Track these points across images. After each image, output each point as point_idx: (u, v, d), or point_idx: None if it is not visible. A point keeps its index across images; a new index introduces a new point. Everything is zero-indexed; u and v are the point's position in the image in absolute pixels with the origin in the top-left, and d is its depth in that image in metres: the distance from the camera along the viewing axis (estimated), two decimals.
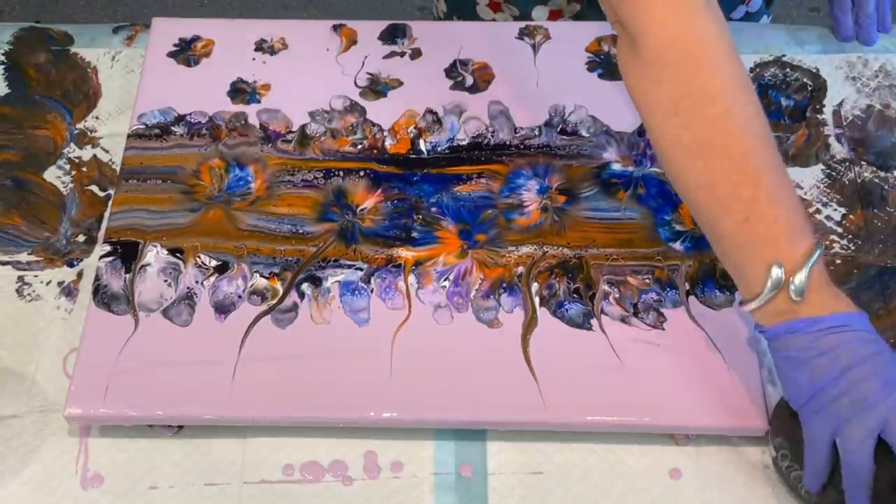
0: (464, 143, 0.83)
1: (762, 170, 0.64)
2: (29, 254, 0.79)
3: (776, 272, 0.63)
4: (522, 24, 0.89)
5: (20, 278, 0.78)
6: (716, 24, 0.65)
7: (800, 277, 0.63)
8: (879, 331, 0.75)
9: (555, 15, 0.98)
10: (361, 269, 0.76)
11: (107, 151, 0.85)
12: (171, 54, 0.88)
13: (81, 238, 0.80)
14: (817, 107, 0.87)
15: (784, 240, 0.64)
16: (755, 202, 0.64)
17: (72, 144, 0.85)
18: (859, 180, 0.83)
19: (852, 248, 0.79)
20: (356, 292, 0.75)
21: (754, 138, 0.65)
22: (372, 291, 0.75)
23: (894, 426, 0.60)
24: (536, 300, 0.74)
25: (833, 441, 0.62)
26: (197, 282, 0.75)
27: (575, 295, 0.74)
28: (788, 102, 0.87)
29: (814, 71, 0.89)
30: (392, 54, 0.88)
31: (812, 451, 0.63)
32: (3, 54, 0.91)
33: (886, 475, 0.61)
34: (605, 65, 0.87)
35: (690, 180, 0.66)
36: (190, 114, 0.84)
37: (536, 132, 0.83)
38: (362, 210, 0.79)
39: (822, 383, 0.62)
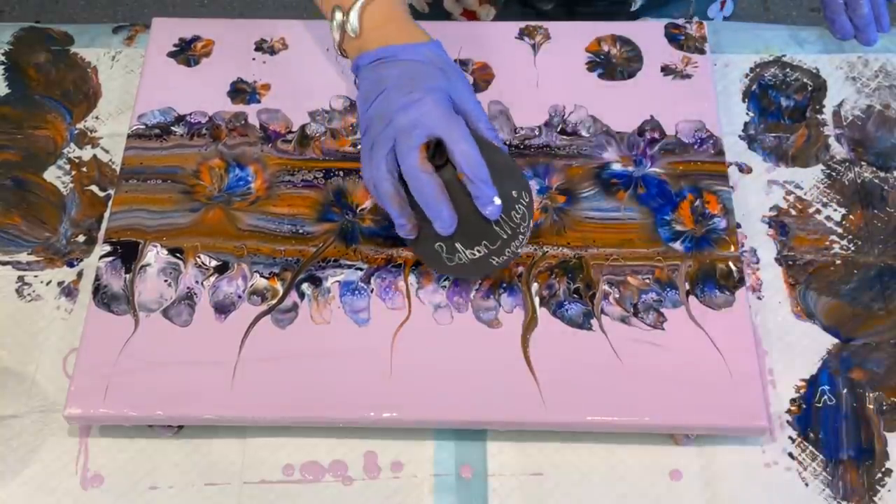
0: None
1: None
2: (29, 254, 0.79)
3: (337, 14, 0.74)
4: (522, 23, 0.89)
5: (20, 278, 0.78)
6: None
7: (352, 16, 0.73)
8: (879, 331, 0.75)
9: (469, 15, 0.98)
10: (361, 269, 0.76)
11: (107, 151, 0.85)
12: (171, 54, 0.88)
13: (81, 238, 0.80)
14: (817, 107, 0.87)
15: None
16: None
17: (72, 144, 0.85)
18: (859, 180, 0.83)
19: (852, 248, 0.79)
20: (356, 292, 0.75)
21: None
22: (372, 291, 0.75)
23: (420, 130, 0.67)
24: (536, 300, 0.74)
25: (395, 172, 0.68)
26: (197, 282, 0.75)
27: (575, 295, 0.74)
28: (788, 102, 0.87)
29: (814, 71, 0.89)
30: None
31: (380, 186, 0.69)
32: (3, 54, 0.91)
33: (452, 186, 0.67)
34: (605, 65, 0.87)
35: None
36: (190, 114, 0.84)
37: (536, 132, 0.83)
38: (362, 210, 0.79)
39: (367, 111, 0.71)
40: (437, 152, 0.68)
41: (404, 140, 0.67)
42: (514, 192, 0.69)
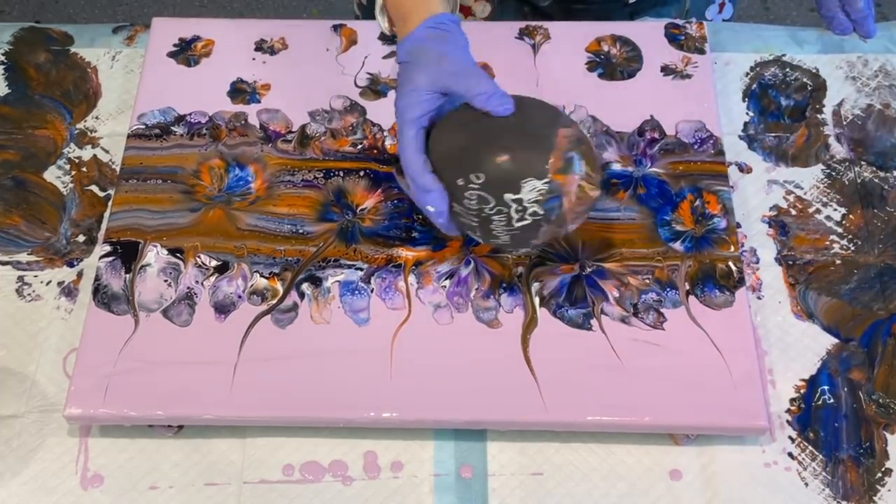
0: None
1: None
2: (29, 254, 0.79)
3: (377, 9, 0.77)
4: (522, 24, 0.89)
5: (20, 278, 0.78)
6: None
7: (377, 14, 0.77)
8: (879, 331, 0.75)
9: (464, 10, 0.98)
10: (361, 269, 0.76)
11: (107, 151, 0.85)
12: (171, 54, 0.88)
13: (81, 238, 0.80)
14: (817, 107, 0.87)
15: None
16: None
17: (72, 144, 0.85)
18: (859, 180, 0.83)
19: (852, 248, 0.79)
20: (356, 292, 0.75)
21: None
22: (372, 291, 0.75)
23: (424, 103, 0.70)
24: (536, 300, 0.74)
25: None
26: (197, 282, 0.75)
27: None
28: (788, 102, 0.87)
29: (813, 71, 0.89)
30: (392, 54, 0.88)
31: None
32: (3, 54, 0.91)
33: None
34: (605, 65, 0.87)
35: None
36: (190, 114, 0.84)
37: None
38: (362, 210, 0.79)
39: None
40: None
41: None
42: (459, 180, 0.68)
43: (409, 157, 0.70)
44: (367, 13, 1.01)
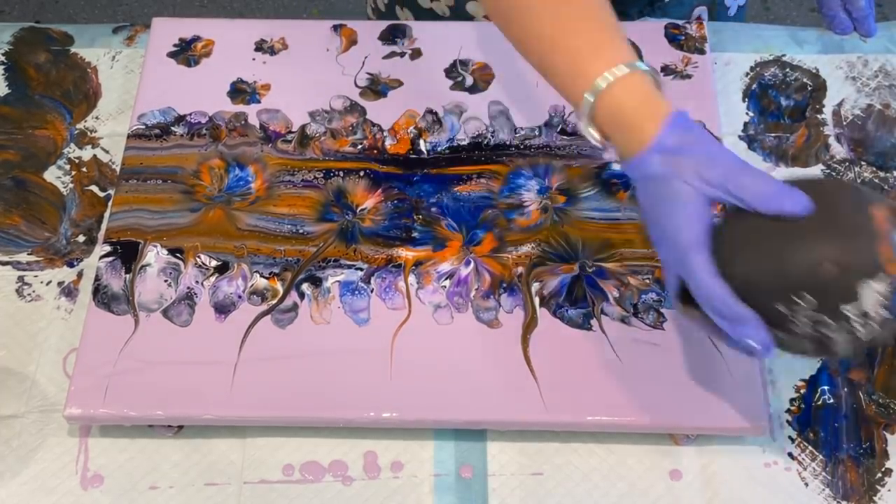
0: (464, 143, 0.83)
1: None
2: (29, 254, 0.79)
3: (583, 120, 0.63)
4: None
5: (20, 278, 0.78)
6: None
7: (585, 126, 0.64)
8: None
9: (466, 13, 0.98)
10: (361, 269, 0.76)
11: (107, 151, 0.85)
12: (171, 54, 0.88)
13: (81, 238, 0.80)
14: (817, 107, 0.87)
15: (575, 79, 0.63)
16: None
17: (72, 144, 0.85)
18: (859, 180, 0.83)
19: None
20: (356, 292, 0.75)
21: None
22: (372, 291, 0.75)
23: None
24: (536, 300, 0.74)
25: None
26: (197, 282, 0.75)
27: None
28: (788, 102, 0.87)
29: (813, 71, 0.89)
30: (392, 54, 0.88)
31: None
32: (3, 54, 0.91)
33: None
34: None
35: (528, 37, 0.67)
36: (190, 114, 0.84)
37: (536, 132, 0.83)
38: (362, 210, 0.79)
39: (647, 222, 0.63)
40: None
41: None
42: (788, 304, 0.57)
43: (709, 286, 0.58)
44: (383, 17, 1.00)
